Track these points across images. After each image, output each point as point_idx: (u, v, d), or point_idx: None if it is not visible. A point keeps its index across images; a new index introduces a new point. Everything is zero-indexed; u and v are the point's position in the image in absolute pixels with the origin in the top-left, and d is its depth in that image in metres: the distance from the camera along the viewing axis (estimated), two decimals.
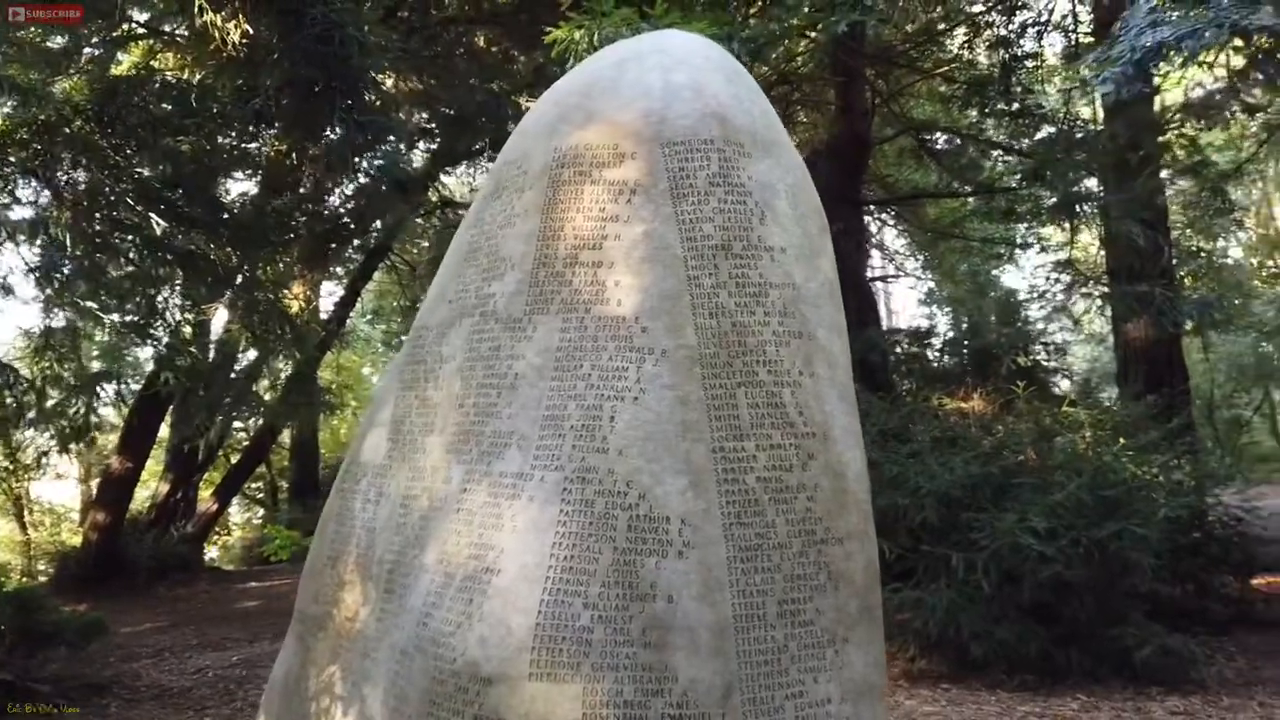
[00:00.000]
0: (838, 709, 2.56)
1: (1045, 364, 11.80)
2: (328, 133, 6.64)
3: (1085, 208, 6.91)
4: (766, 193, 2.94)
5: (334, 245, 9.80)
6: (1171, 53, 3.82)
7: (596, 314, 2.83)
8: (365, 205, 8.20)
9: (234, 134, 7.95)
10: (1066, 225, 9.18)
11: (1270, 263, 28.43)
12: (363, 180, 8.22)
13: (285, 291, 9.29)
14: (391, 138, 6.80)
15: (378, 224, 10.86)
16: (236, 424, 14.82)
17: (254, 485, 22.82)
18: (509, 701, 2.44)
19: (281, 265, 8.86)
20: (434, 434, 3.10)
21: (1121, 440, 7.52)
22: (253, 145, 9.03)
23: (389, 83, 9.78)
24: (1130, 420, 7.91)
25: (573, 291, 2.89)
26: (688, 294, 2.77)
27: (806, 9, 6.77)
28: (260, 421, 13.66)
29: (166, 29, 9.80)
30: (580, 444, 2.67)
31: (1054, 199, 7.82)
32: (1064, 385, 12.85)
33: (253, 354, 11.40)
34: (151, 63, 10.48)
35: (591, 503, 2.59)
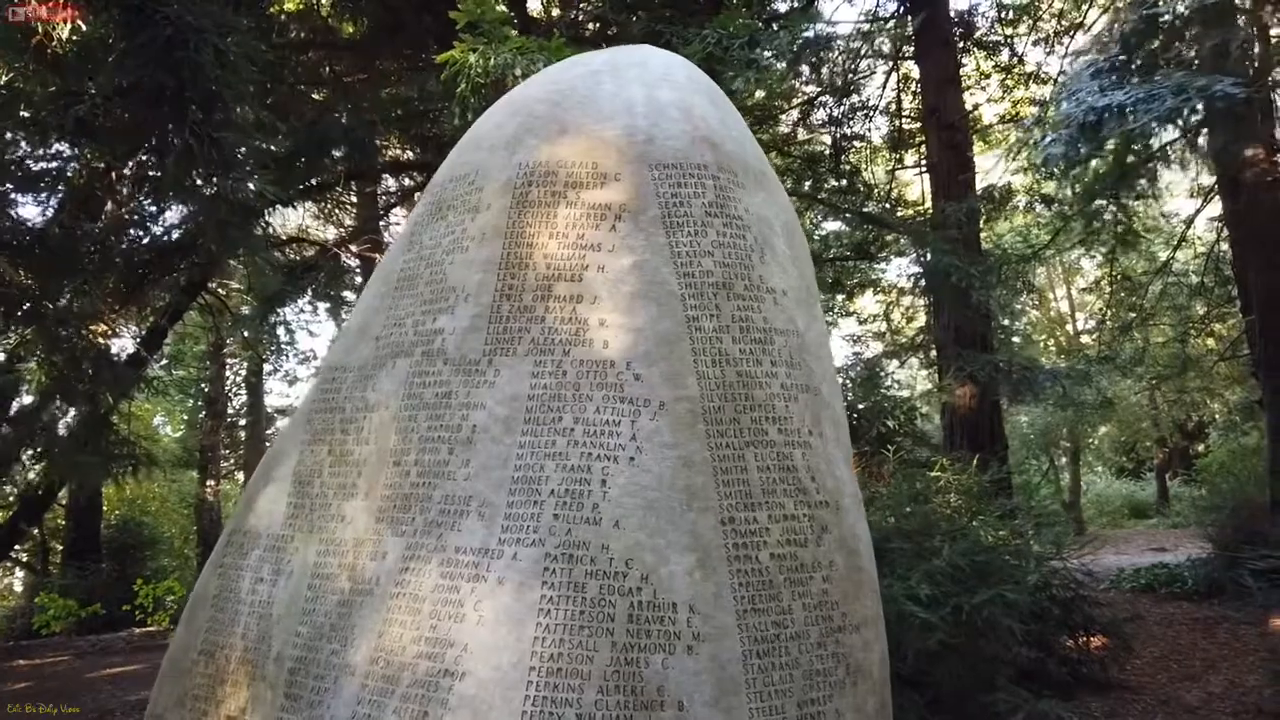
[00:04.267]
0: None
1: (904, 429, 12.12)
2: (169, 147, 5.81)
3: (954, 279, 7.13)
4: (764, 228, 2.60)
5: (151, 276, 8.69)
6: (1130, 116, 3.87)
7: (577, 357, 2.37)
8: (197, 234, 7.27)
9: (45, 144, 6.89)
10: (927, 299, 9.49)
11: (1050, 341, 31.29)
12: (192, 207, 7.30)
13: (93, 328, 8.12)
14: (251, 163, 6.03)
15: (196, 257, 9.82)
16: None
17: (16, 546, 20.06)
18: None
19: (92, 296, 7.73)
20: (357, 497, 2.52)
21: (975, 505, 7.66)
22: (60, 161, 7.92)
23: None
24: (989, 487, 8.10)
25: (545, 330, 2.43)
26: (688, 337, 2.37)
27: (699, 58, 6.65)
28: (41, 475, 11.95)
29: None
30: (564, 513, 2.20)
31: (919, 272, 8.04)
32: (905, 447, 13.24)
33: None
34: None
35: (582, 586, 2.12)
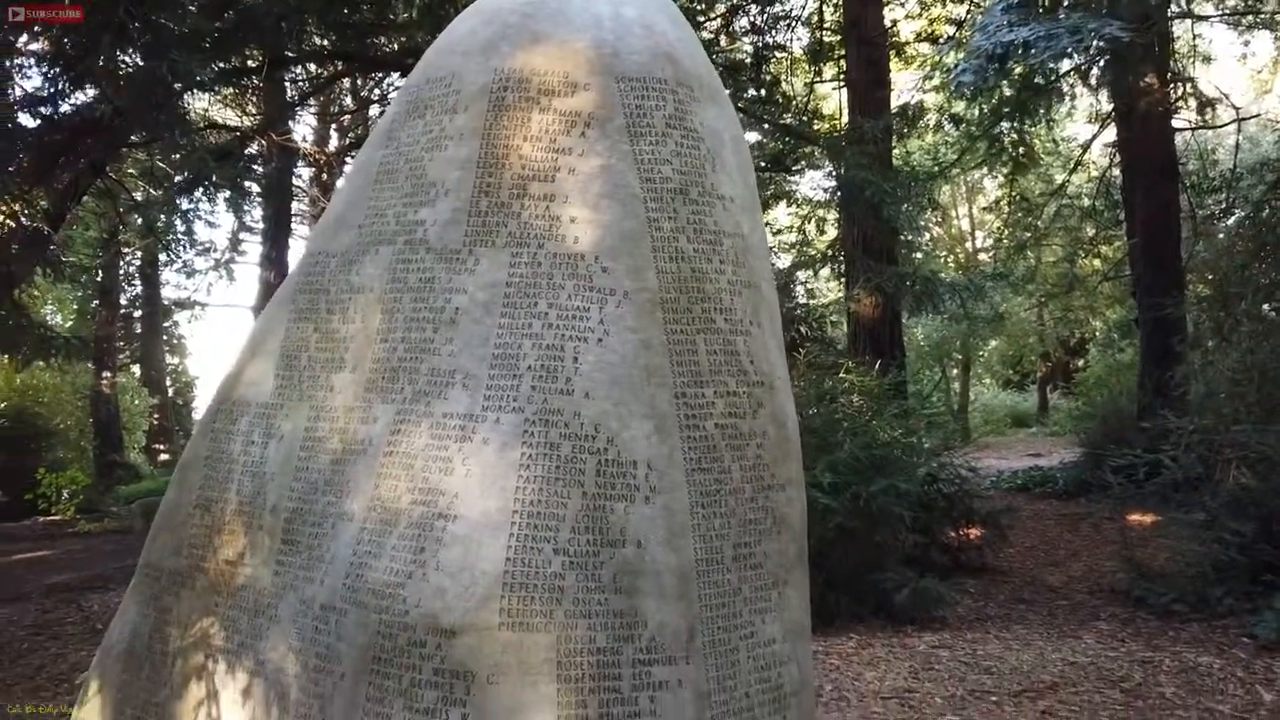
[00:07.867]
0: (780, 648, 2.64)
1: (814, 335, 12.77)
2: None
3: (868, 194, 7.57)
4: (715, 141, 2.92)
5: (65, 156, 8.43)
6: (1032, 51, 4.26)
7: (550, 250, 2.68)
8: (116, 114, 7.10)
9: None
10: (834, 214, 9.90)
11: (950, 257, 32.58)
12: (117, 84, 7.11)
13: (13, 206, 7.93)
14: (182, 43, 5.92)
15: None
16: None
17: None
18: (477, 653, 2.29)
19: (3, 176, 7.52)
20: (345, 370, 2.81)
21: (875, 405, 8.33)
22: None
23: None
24: (889, 389, 8.76)
25: (521, 224, 2.72)
26: (648, 236, 2.70)
27: None
28: None
29: None
30: (540, 385, 2.54)
31: (834, 186, 8.43)
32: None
33: None
34: None
35: (557, 446, 2.48)
